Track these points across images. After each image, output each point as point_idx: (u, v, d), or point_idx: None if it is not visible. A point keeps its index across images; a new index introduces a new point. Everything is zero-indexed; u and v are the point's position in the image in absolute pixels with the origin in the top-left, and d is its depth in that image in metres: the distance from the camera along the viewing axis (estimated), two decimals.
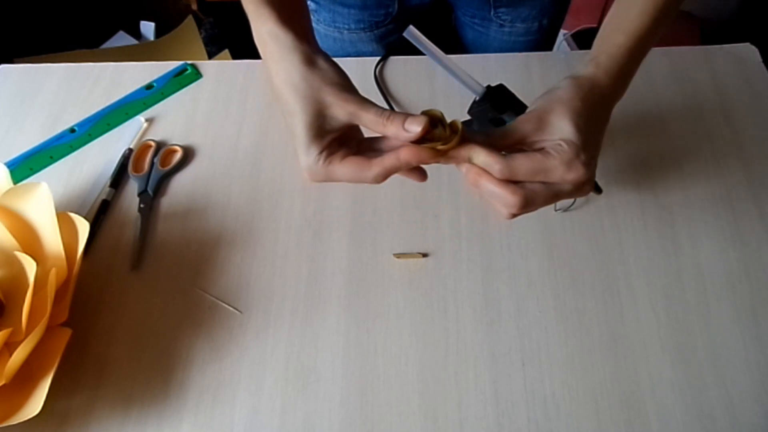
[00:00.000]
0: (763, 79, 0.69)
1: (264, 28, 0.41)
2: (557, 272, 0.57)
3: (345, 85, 0.40)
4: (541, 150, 0.40)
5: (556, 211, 0.60)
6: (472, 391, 0.51)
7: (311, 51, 0.41)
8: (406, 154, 0.39)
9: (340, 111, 0.39)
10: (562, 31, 1.30)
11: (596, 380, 0.51)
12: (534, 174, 0.39)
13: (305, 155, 0.40)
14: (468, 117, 0.57)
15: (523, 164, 0.39)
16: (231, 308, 0.56)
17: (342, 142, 0.41)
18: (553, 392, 0.51)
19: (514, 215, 0.42)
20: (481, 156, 0.39)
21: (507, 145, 0.41)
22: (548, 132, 0.40)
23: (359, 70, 0.72)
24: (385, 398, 0.51)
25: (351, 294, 0.56)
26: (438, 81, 0.71)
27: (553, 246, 0.58)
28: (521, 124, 0.41)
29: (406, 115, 0.38)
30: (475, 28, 0.82)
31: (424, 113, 0.40)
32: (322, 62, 0.41)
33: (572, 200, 0.59)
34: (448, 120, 0.40)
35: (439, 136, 0.40)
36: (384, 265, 0.58)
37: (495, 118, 0.53)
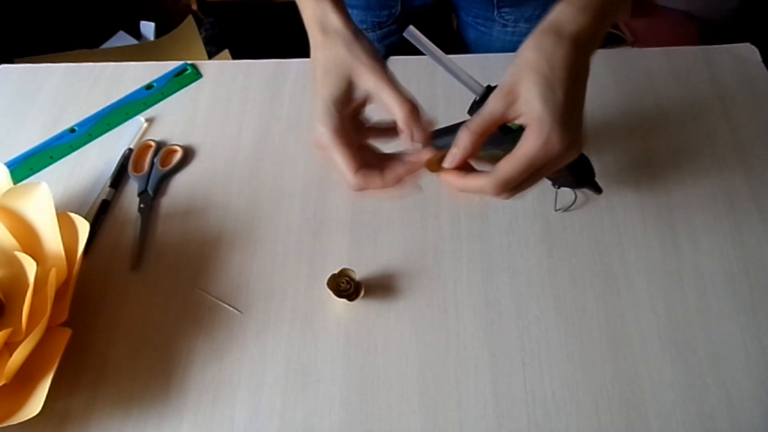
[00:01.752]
0: (763, 79, 0.69)
1: (317, 7, 0.44)
2: (557, 272, 0.57)
3: (381, 61, 0.43)
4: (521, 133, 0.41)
5: (556, 210, 0.60)
6: (472, 391, 0.51)
7: (357, 29, 0.44)
8: (391, 179, 0.42)
9: (368, 79, 0.41)
10: None
11: (596, 380, 0.51)
12: (523, 171, 0.40)
13: (323, 119, 0.42)
14: (468, 117, 0.57)
15: (509, 171, 0.40)
16: (231, 308, 0.56)
17: (355, 127, 0.44)
18: (553, 392, 0.51)
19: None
20: (472, 183, 0.41)
21: (488, 132, 0.42)
22: (520, 105, 0.40)
23: None
24: (385, 398, 0.51)
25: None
26: (438, 81, 0.71)
27: (553, 246, 0.58)
28: (494, 105, 0.41)
29: (418, 116, 0.41)
30: (478, 28, 0.82)
31: (333, 276, 0.54)
32: (365, 38, 0.43)
33: (573, 200, 0.60)
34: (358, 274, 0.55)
35: (345, 289, 0.54)
36: (384, 265, 0.58)
37: None
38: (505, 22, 0.78)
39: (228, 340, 0.54)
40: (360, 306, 0.55)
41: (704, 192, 0.61)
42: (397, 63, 0.73)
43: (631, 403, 0.50)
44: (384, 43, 0.81)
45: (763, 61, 0.71)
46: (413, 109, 0.41)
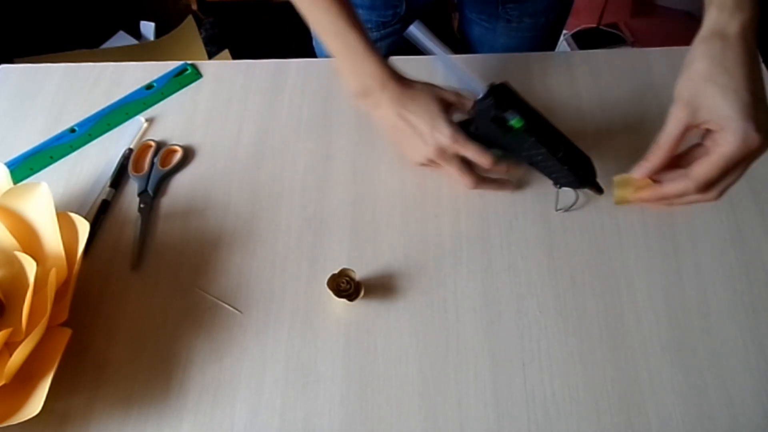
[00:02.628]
0: (764, 79, 0.69)
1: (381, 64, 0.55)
2: (557, 272, 0.57)
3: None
4: (709, 134, 0.42)
5: (557, 211, 0.60)
6: (472, 391, 0.51)
7: None
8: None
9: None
10: (563, 31, 1.29)
11: (596, 380, 0.51)
12: (721, 170, 0.41)
13: (444, 126, 0.53)
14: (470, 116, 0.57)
15: (707, 171, 0.42)
16: (231, 308, 0.56)
17: None
18: (553, 392, 0.51)
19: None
20: (671, 189, 0.45)
21: (676, 145, 0.44)
22: (703, 114, 0.42)
23: None
24: (385, 398, 0.51)
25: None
26: (438, 81, 0.70)
27: (553, 246, 0.58)
28: (677, 116, 0.43)
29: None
30: (482, 24, 0.82)
31: (333, 276, 0.54)
32: None
33: (574, 200, 0.59)
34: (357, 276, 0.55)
35: (345, 289, 0.54)
36: (384, 265, 0.58)
37: (497, 116, 0.53)
38: (509, 17, 0.78)
39: (228, 340, 0.54)
40: (360, 306, 0.55)
41: None
42: (398, 63, 0.73)
43: (631, 403, 0.50)
44: (386, 42, 0.81)
45: (764, 61, 0.71)
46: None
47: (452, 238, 0.59)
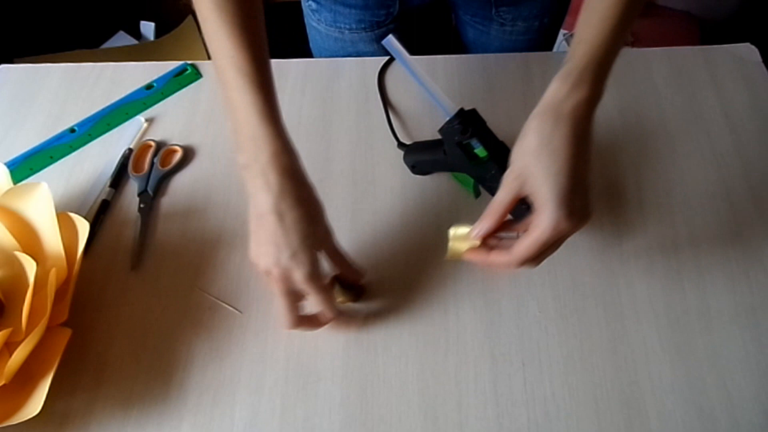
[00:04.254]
0: (763, 79, 0.69)
1: (277, 141, 0.47)
2: (557, 272, 0.57)
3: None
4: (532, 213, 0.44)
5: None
6: (472, 391, 0.51)
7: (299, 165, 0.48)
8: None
9: (333, 248, 0.50)
10: (561, 31, 1.29)
11: (596, 380, 0.51)
12: (538, 250, 0.44)
13: (307, 259, 0.46)
14: (439, 136, 0.57)
15: (525, 251, 0.44)
16: (231, 308, 0.56)
17: None
18: (553, 392, 0.51)
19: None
20: (496, 261, 0.47)
21: (506, 213, 0.46)
22: (530, 186, 0.44)
23: (359, 70, 0.72)
24: (385, 398, 0.51)
25: None
26: (439, 82, 0.70)
27: None
28: (508, 188, 0.45)
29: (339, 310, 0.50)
30: (476, 27, 0.82)
31: (333, 276, 0.54)
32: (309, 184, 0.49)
33: None
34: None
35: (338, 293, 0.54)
36: (384, 265, 0.58)
37: (461, 142, 0.55)
38: (503, 20, 0.78)
39: (228, 340, 0.54)
40: (360, 306, 0.55)
41: (704, 192, 0.61)
42: (396, 63, 0.73)
43: (631, 403, 0.50)
44: (381, 43, 0.80)
45: (763, 61, 0.71)
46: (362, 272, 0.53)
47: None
